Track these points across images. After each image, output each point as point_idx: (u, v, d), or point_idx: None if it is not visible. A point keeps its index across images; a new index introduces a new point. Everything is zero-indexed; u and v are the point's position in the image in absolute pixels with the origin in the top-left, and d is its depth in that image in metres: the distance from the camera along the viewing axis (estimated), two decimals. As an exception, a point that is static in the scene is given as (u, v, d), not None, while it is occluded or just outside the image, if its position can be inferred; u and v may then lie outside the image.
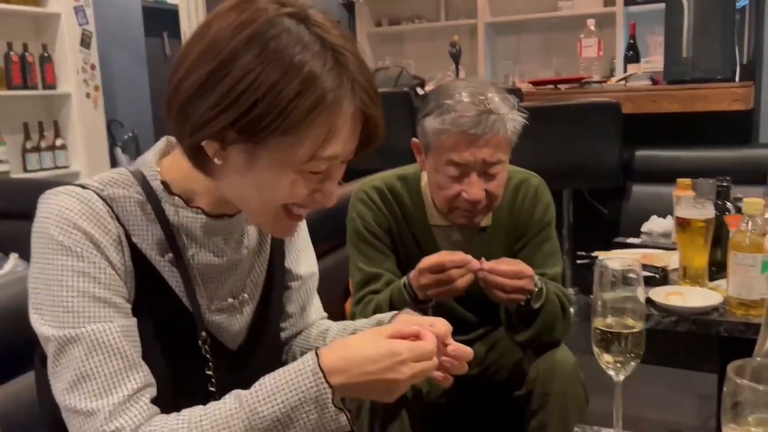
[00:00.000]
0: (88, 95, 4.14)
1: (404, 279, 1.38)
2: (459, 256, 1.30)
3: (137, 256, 0.84)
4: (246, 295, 0.95)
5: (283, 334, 1.08)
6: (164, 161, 0.89)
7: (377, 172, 1.92)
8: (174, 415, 0.79)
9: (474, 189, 1.37)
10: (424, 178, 1.52)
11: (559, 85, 3.39)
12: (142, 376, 0.81)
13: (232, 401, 0.79)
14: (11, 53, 3.82)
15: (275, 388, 0.79)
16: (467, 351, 0.91)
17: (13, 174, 3.83)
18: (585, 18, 3.85)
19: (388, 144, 3.29)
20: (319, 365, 0.79)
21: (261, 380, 0.80)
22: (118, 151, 4.75)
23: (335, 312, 1.54)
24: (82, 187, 0.83)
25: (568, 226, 3.20)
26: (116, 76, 4.85)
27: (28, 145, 3.97)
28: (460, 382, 1.59)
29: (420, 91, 3.52)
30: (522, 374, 1.45)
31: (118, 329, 0.80)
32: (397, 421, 1.37)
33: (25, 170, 3.97)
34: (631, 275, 0.90)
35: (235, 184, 0.82)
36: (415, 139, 1.46)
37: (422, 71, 4.35)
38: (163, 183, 0.86)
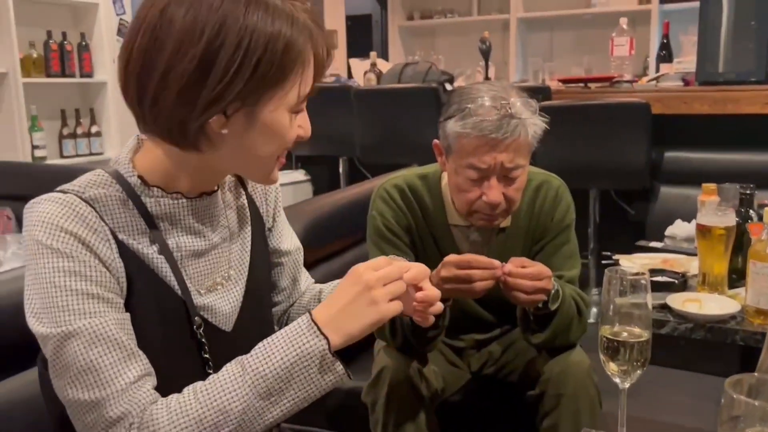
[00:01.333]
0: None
1: None
2: (487, 259, 1.31)
3: (125, 251, 0.88)
4: (232, 273, 0.99)
5: (280, 307, 1.15)
6: (137, 157, 0.93)
7: (404, 166, 1.94)
8: (177, 394, 0.84)
9: (493, 192, 1.38)
10: (445, 177, 1.53)
11: (588, 84, 3.36)
12: (141, 365, 0.84)
13: (234, 366, 0.84)
14: (50, 42, 3.92)
15: (274, 348, 0.84)
16: (433, 295, 0.94)
17: (49, 160, 3.93)
18: (619, 15, 3.81)
19: (415, 139, 3.32)
20: (312, 321, 0.85)
21: (260, 344, 0.85)
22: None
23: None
24: (63, 192, 0.87)
25: (593, 226, 3.19)
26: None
27: (65, 132, 4.07)
28: (476, 380, 1.63)
29: (449, 86, 3.52)
30: (536, 374, 1.46)
31: (114, 322, 0.83)
32: (412, 418, 1.40)
33: (62, 156, 4.07)
34: (641, 282, 0.91)
35: (238, 146, 0.87)
36: (436, 141, 1.48)
37: (452, 66, 4.35)
38: (140, 177, 0.91)
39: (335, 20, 5.24)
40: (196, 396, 0.82)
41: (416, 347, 1.44)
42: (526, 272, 1.30)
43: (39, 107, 3.86)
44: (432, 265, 1.39)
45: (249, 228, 1.04)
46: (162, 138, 0.88)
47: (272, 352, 0.83)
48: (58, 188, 0.88)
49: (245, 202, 1.05)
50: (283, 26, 0.82)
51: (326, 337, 0.83)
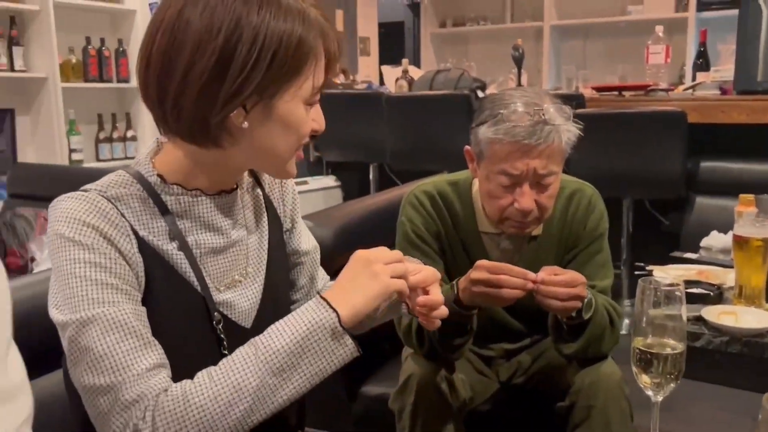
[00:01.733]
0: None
1: (453, 283, 1.39)
2: (520, 269, 1.29)
3: (145, 248, 0.90)
4: (250, 270, 1.01)
5: (298, 305, 1.14)
6: (157, 158, 0.95)
7: (435, 173, 1.94)
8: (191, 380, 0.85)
9: (525, 199, 1.37)
10: (476, 184, 1.52)
11: (623, 92, 3.32)
12: (157, 355, 0.86)
13: (247, 347, 0.86)
14: (89, 47, 4.00)
15: (285, 326, 0.86)
16: (435, 301, 0.94)
17: (86, 163, 4.01)
18: (654, 23, 3.76)
19: (446, 146, 3.30)
20: (321, 297, 0.88)
21: (272, 325, 0.87)
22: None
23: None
24: (85, 191, 0.90)
25: (627, 236, 3.14)
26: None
27: (101, 136, 4.14)
28: (505, 390, 1.61)
29: (480, 94, 3.51)
30: (566, 385, 1.44)
31: (131, 312, 0.85)
32: (439, 427, 1.39)
33: (98, 159, 4.15)
34: (676, 293, 0.89)
35: (257, 140, 0.90)
36: (467, 147, 1.47)
37: (485, 74, 4.34)
38: (159, 176, 0.93)
39: (368, 27, 5.26)
40: (210, 377, 0.84)
41: (443, 355, 1.43)
42: (559, 279, 1.29)
43: (77, 111, 3.94)
44: (461, 272, 1.39)
45: (266, 227, 1.06)
46: (183, 138, 0.90)
47: (283, 329, 0.86)
48: (82, 188, 0.91)
49: (262, 202, 1.07)
50: (296, 22, 0.86)
51: (335, 310, 0.86)
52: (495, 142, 1.35)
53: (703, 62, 3.44)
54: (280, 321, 0.87)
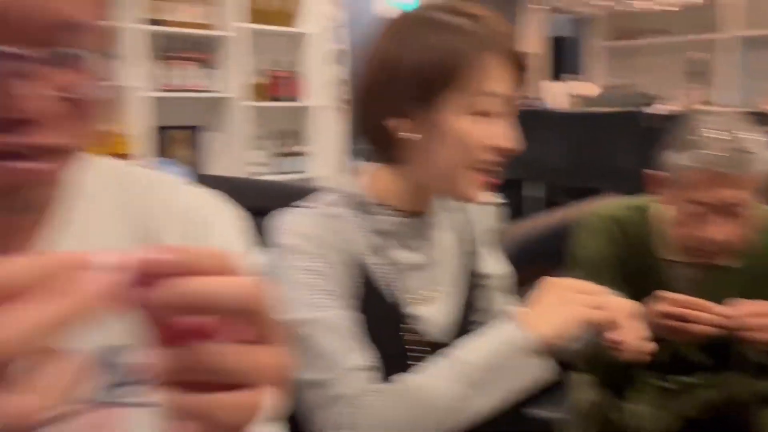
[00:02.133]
0: (335, 107, 4.51)
1: None
2: (713, 305, 1.24)
3: (354, 261, 0.99)
4: (443, 288, 1.07)
5: (476, 326, 1.18)
6: (363, 181, 1.05)
7: (602, 191, 1.90)
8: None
9: (717, 229, 1.31)
10: (657, 209, 1.48)
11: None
12: (369, 357, 0.94)
13: (441, 359, 0.92)
14: (271, 69, 4.31)
15: (478, 342, 0.92)
16: (629, 338, 0.93)
17: (266, 176, 4.31)
18: None
19: (612, 163, 3.20)
20: (509, 317, 0.93)
21: (464, 341, 0.93)
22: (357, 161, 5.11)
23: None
24: (307, 207, 1.01)
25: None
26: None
27: (279, 151, 4.44)
28: (687, 427, 1.53)
29: (647, 110, 3.37)
30: (757, 426, 1.35)
31: (347, 316, 0.95)
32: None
33: (276, 173, 4.44)
34: None
35: (428, 155, 0.97)
36: (652, 171, 1.42)
37: (658, 88, 4.14)
38: (366, 197, 1.02)
39: (537, 43, 5.21)
40: (405, 384, 0.91)
41: (618, 383, 1.40)
42: (752, 309, 1.23)
43: (260, 128, 4.26)
44: (641, 300, 1.35)
45: (459, 249, 1.11)
46: (372, 151, 1.02)
47: (477, 346, 0.92)
48: (302, 204, 1.03)
49: (459, 225, 1.12)
50: (447, 36, 0.94)
51: (524, 330, 0.90)
52: (685, 169, 1.31)
53: None
54: (473, 338, 0.92)
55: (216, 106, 4.11)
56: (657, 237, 1.48)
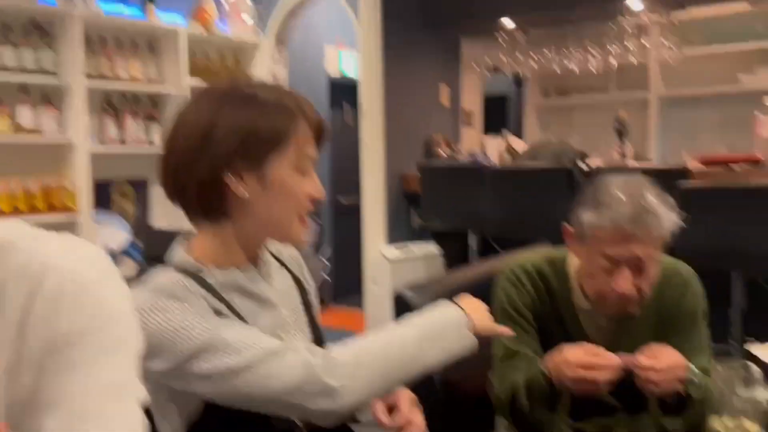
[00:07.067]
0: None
1: (540, 364, 1.45)
2: (608, 360, 1.35)
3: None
4: (292, 328, 1.18)
5: None
6: (190, 247, 1.14)
7: (535, 242, 1.99)
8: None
9: (625, 283, 1.41)
10: (573, 262, 1.58)
11: (732, 164, 3.26)
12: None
13: (393, 325, 1.16)
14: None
15: (427, 312, 1.17)
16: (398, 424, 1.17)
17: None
18: (765, 94, 3.68)
19: (547, 216, 3.29)
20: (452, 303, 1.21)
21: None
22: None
23: (480, 383, 1.62)
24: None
25: (737, 311, 3.03)
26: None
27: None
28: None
29: (582, 165, 3.55)
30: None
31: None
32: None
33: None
34: (753, 374, 0.92)
35: (260, 208, 1.09)
36: (566, 225, 1.53)
37: (589, 144, 4.36)
38: (199, 262, 1.11)
39: (473, 101, 5.41)
40: (372, 338, 1.11)
41: (537, 428, 1.48)
42: (658, 366, 1.33)
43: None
44: (557, 347, 1.44)
45: (295, 288, 1.25)
46: (199, 215, 1.11)
47: (425, 313, 1.16)
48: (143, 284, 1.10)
49: (286, 271, 1.26)
50: (260, 110, 1.08)
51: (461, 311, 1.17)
52: (597, 227, 1.41)
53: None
54: (420, 312, 1.17)
55: (161, 159, 4.14)
56: (571, 287, 1.58)
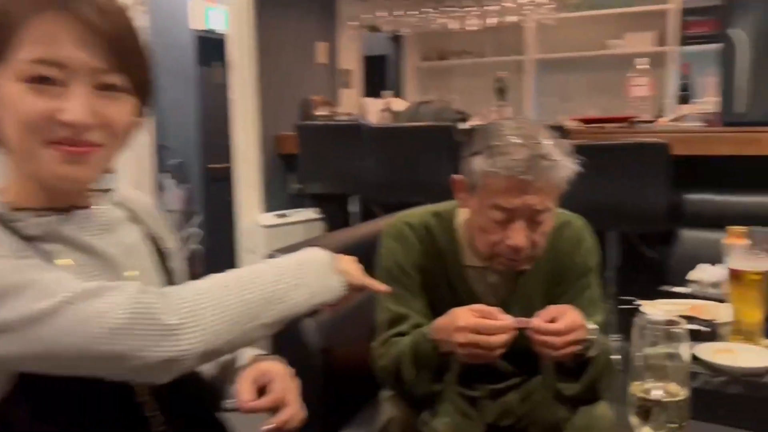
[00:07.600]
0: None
1: (426, 331, 1.32)
2: (501, 322, 1.21)
3: None
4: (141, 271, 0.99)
5: None
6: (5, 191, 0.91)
7: (418, 204, 1.87)
8: None
9: (519, 236, 1.29)
10: (460, 215, 1.46)
11: (606, 124, 3.31)
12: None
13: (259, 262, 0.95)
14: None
15: (292, 254, 0.97)
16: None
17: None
18: (634, 57, 3.77)
19: (429, 177, 3.25)
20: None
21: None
22: (164, 176, 4.81)
23: (362, 352, 1.48)
24: None
25: (613, 270, 3.09)
26: (166, 102, 4.94)
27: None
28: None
29: (462, 125, 3.48)
30: (557, 428, 1.36)
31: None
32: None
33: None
34: (676, 330, 0.82)
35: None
36: (456, 176, 1.40)
37: (468, 106, 4.32)
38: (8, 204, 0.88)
39: (351, 60, 5.25)
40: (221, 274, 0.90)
41: (423, 396, 1.35)
42: (555, 328, 1.21)
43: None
44: (445, 307, 1.31)
45: (146, 248, 1.02)
46: None
47: (289, 255, 0.96)
48: None
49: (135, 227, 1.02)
50: None
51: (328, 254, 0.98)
52: (490, 175, 1.28)
53: (686, 94, 3.45)
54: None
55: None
56: (460, 243, 1.46)
